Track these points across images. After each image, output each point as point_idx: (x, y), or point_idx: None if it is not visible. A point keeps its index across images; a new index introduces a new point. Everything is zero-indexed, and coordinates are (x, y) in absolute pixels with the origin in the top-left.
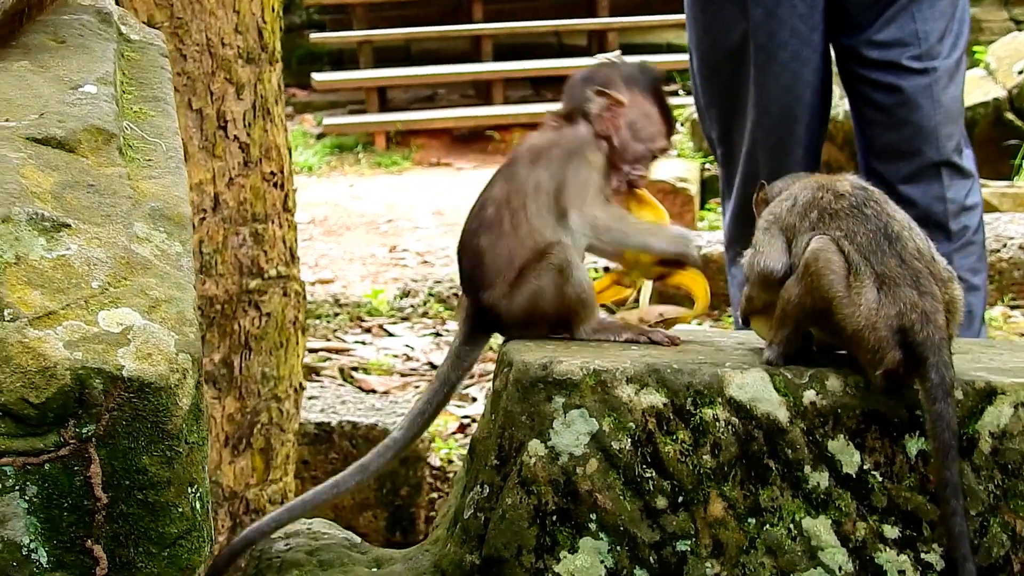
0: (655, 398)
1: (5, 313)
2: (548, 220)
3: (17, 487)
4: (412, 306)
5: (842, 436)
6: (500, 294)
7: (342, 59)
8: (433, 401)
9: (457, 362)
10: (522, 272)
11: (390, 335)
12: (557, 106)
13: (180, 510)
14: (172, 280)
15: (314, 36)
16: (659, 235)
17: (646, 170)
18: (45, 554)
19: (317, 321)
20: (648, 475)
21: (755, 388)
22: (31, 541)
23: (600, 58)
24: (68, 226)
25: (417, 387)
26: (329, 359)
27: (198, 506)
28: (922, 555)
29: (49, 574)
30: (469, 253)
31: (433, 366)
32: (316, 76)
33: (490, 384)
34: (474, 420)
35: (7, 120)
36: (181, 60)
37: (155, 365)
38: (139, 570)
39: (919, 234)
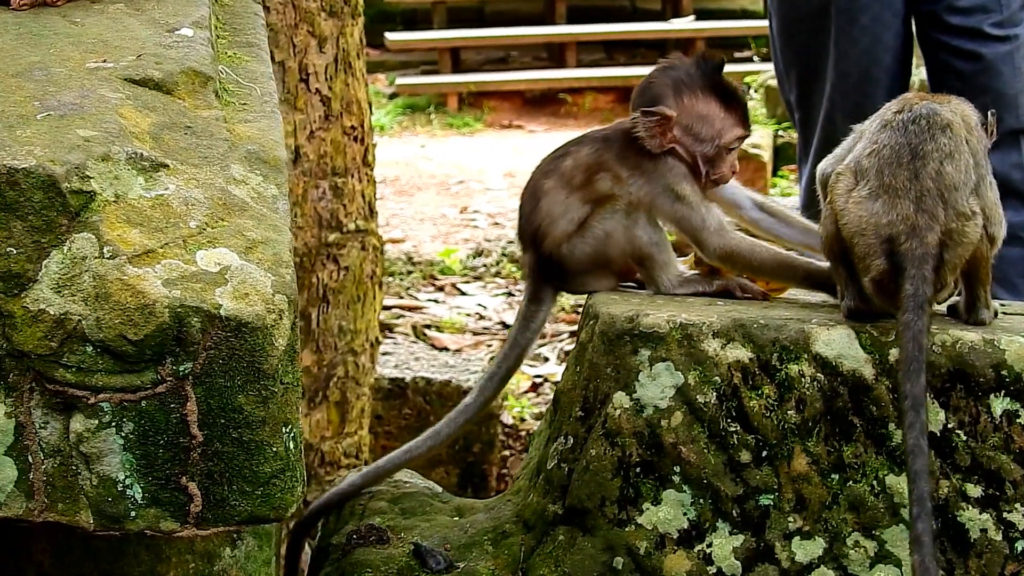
0: (741, 353)
1: (105, 250)
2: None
3: (114, 423)
4: (485, 266)
5: (927, 394)
6: (560, 241)
7: (415, 19)
8: (503, 365)
9: (525, 323)
10: (584, 221)
11: (463, 294)
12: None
13: (274, 449)
14: (268, 222)
15: None
16: (785, 267)
17: (725, 166)
18: (140, 490)
19: (390, 279)
20: (733, 429)
21: (841, 344)
22: (126, 477)
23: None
24: (166, 166)
25: (490, 346)
26: (402, 316)
27: (292, 446)
28: (1004, 515)
29: (143, 510)
30: (531, 190)
31: (506, 325)
32: (389, 36)
33: (562, 344)
34: (546, 380)
35: (105, 60)
36: (264, 12)
37: (252, 305)
38: (232, 508)
39: (961, 167)
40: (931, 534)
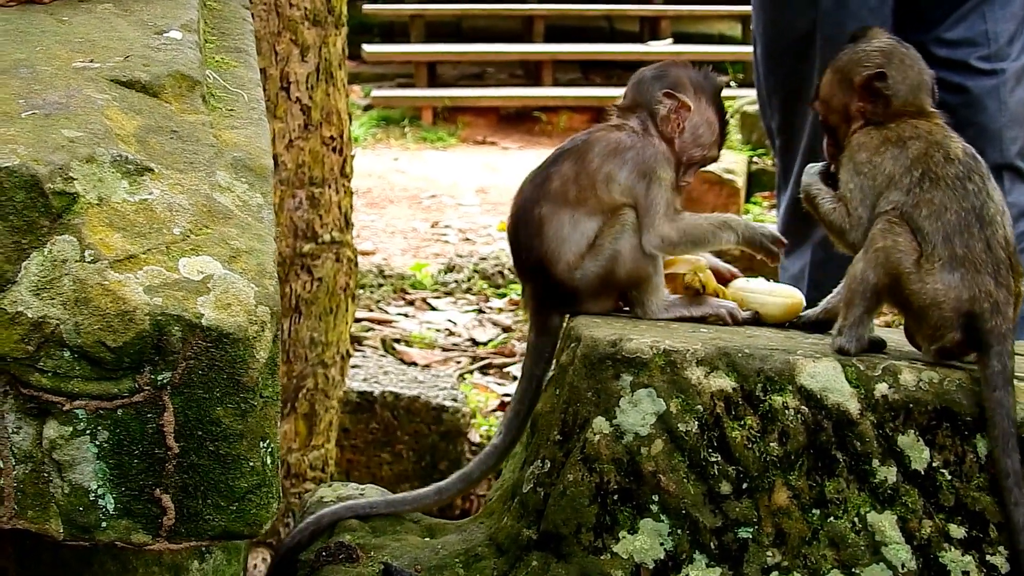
0: (724, 382)
1: (86, 254)
2: (618, 201)
3: (88, 431)
4: (456, 281)
5: (912, 431)
6: (574, 265)
7: (393, 31)
8: (525, 400)
9: (538, 356)
10: (596, 240)
11: (433, 309)
12: (600, 93)
13: (251, 464)
14: (253, 231)
15: (367, 7)
16: (725, 228)
17: (691, 178)
18: (112, 501)
19: (361, 291)
20: (713, 459)
21: (827, 378)
22: (99, 487)
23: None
24: (151, 170)
25: (459, 362)
26: (372, 329)
27: (268, 461)
28: (987, 557)
29: (115, 521)
30: (526, 222)
31: (475, 342)
32: (366, 47)
33: None
34: None
35: (92, 60)
36: None
37: (234, 316)
38: (206, 522)
39: (1009, 221)
40: None
